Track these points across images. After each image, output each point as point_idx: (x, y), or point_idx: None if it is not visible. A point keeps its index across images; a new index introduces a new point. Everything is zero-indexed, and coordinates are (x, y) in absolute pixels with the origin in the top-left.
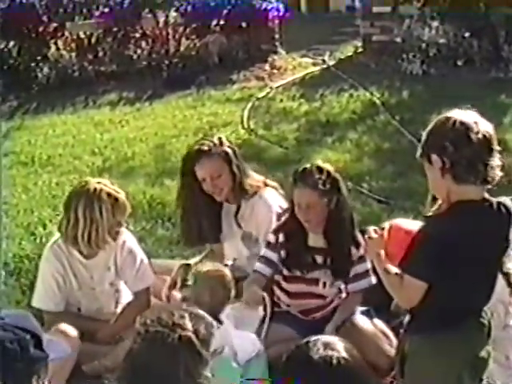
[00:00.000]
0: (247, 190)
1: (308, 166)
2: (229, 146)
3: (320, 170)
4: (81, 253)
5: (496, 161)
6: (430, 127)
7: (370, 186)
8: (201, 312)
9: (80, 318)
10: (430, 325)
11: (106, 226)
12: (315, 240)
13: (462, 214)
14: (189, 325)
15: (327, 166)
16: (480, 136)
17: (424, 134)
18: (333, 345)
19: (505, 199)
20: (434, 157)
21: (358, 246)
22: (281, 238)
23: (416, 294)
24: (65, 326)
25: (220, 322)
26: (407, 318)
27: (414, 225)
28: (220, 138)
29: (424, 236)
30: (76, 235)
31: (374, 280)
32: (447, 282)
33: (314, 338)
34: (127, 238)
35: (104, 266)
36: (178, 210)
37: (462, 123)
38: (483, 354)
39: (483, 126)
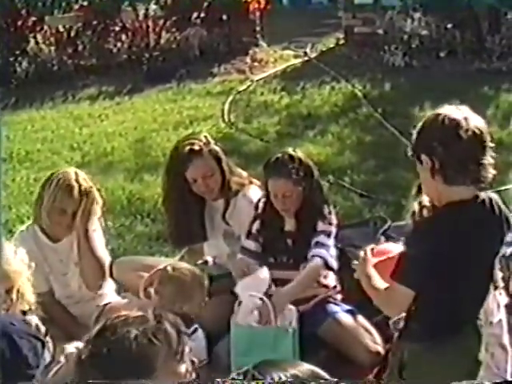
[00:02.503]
0: (232, 188)
1: (279, 155)
2: (215, 144)
3: (291, 158)
4: (47, 236)
5: (489, 159)
6: (419, 125)
7: (351, 179)
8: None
9: (67, 320)
10: (430, 333)
11: (45, 208)
12: (291, 224)
13: (451, 218)
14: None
15: (298, 154)
16: (470, 133)
17: (414, 133)
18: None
19: (493, 195)
20: (424, 157)
21: (324, 219)
22: (257, 225)
23: (404, 302)
24: None
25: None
26: (401, 324)
27: (397, 249)
28: (206, 137)
29: (413, 244)
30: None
31: (334, 262)
32: (441, 289)
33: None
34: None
35: (70, 247)
36: (165, 211)
37: (451, 120)
38: (480, 357)
39: (474, 122)
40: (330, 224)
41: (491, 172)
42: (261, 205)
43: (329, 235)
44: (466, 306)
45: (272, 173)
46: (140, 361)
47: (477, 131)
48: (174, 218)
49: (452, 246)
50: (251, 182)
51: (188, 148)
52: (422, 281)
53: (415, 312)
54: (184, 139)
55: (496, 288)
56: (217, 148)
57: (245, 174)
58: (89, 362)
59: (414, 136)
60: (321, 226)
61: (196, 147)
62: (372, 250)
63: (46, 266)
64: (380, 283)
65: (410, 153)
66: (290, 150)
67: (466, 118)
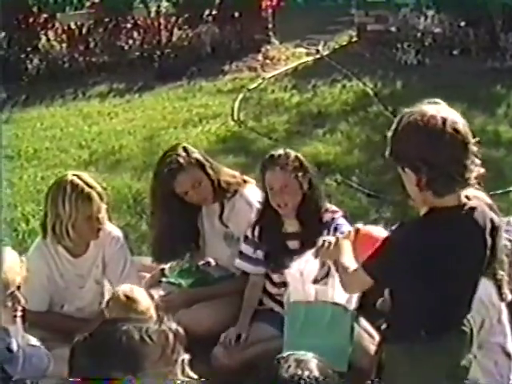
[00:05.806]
0: (226, 189)
1: (273, 152)
2: (197, 152)
3: (286, 154)
4: (68, 251)
5: (473, 159)
6: (394, 127)
7: (359, 179)
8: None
9: (63, 317)
10: (409, 335)
11: (69, 220)
12: (291, 226)
13: (435, 224)
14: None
15: (293, 152)
16: (450, 139)
17: (389, 134)
18: (305, 363)
19: (479, 204)
20: (408, 171)
21: (327, 211)
22: (257, 231)
23: (359, 285)
24: None
25: None
26: (384, 326)
27: (383, 233)
28: (184, 147)
29: (391, 240)
30: (46, 228)
31: None
32: (416, 293)
33: (286, 353)
34: (116, 234)
35: (92, 263)
36: (150, 228)
37: (431, 129)
38: (464, 362)
39: (453, 124)
40: (335, 212)
41: (477, 173)
42: (259, 209)
43: (334, 220)
44: (445, 310)
45: (268, 166)
46: (128, 355)
47: (458, 137)
48: (159, 236)
49: (430, 254)
50: (245, 181)
51: (168, 168)
52: (383, 276)
53: (393, 313)
54: (164, 158)
55: (503, 300)
56: (197, 155)
57: (237, 173)
58: (80, 349)
59: (390, 138)
60: (327, 215)
61: (174, 165)
62: (357, 230)
63: (62, 281)
64: (351, 262)
65: (387, 155)
66: (284, 150)
67: (444, 123)
